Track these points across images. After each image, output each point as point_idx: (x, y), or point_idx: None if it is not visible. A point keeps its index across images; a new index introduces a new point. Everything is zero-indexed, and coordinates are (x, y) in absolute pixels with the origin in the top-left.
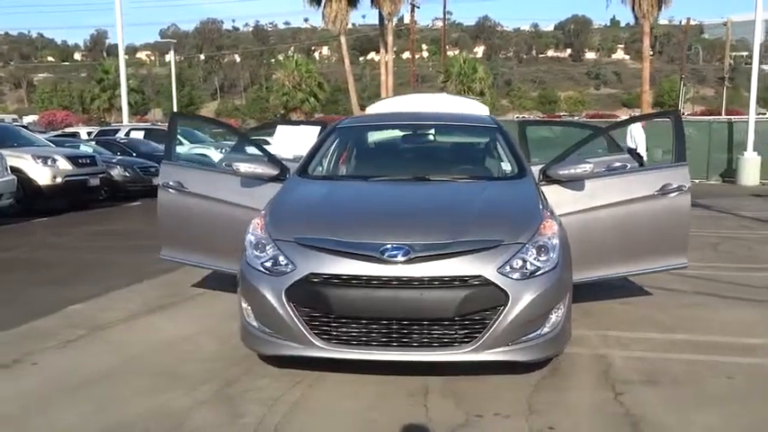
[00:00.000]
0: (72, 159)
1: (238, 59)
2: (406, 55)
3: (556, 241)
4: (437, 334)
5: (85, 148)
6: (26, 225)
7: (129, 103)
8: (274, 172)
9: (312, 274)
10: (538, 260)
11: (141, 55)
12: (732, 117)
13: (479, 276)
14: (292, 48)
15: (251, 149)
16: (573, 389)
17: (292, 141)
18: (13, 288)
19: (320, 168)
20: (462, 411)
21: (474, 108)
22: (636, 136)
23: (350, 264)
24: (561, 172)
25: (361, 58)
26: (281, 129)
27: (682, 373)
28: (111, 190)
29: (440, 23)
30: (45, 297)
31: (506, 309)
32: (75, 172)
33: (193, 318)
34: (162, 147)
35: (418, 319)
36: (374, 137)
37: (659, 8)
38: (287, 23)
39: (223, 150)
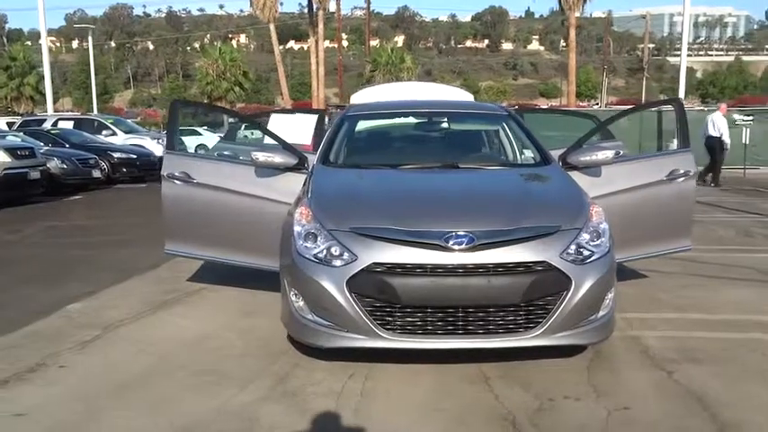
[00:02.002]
0: (10, 151)
1: (152, 47)
2: (326, 44)
3: (605, 225)
4: (502, 320)
5: (14, 139)
6: None
7: (40, 92)
8: (293, 161)
9: (375, 263)
10: (591, 244)
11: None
12: (662, 107)
13: (543, 262)
14: (208, 35)
15: (242, 137)
16: (625, 370)
17: (286, 130)
18: None
19: (341, 157)
20: (532, 396)
21: (460, 95)
22: (719, 125)
23: (414, 252)
24: (582, 158)
25: (280, 47)
26: (275, 117)
27: (716, 350)
28: (48, 183)
29: (358, 13)
30: (34, 297)
31: (570, 293)
32: (14, 164)
33: (206, 313)
34: (95, 137)
35: (485, 306)
36: (387, 125)
37: (584, 0)
38: (201, 10)
39: (160, 141)
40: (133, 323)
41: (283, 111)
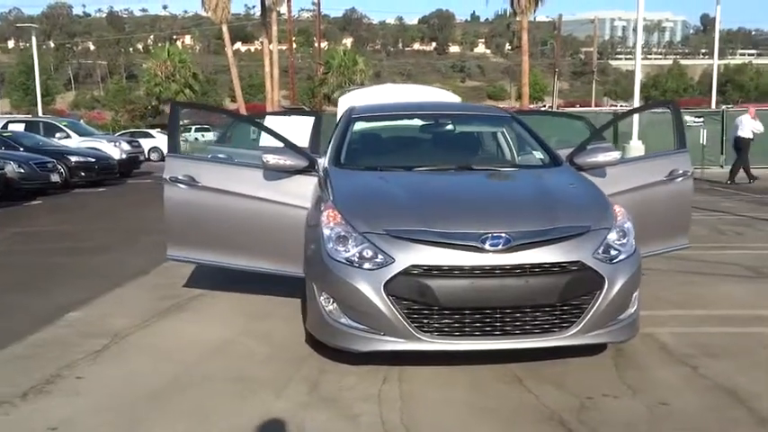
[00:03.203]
0: None
1: (93, 47)
2: (273, 46)
3: (629, 225)
4: (539, 320)
5: None
6: None
7: None
8: (304, 164)
9: (413, 266)
10: (618, 243)
11: None
12: (616, 108)
13: (578, 262)
14: (152, 36)
15: (193, 139)
16: (651, 367)
17: (282, 133)
18: None
19: (353, 159)
20: (570, 395)
21: (447, 97)
22: (747, 126)
23: (450, 254)
24: (590, 160)
25: (226, 49)
26: (269, 119)
27: (728, 345)
28: (4, 188)
29: (305, 15)
30: (25, 305)
31: (603, 292)
32: None
33: (214, 319)
34: (49, 140)
35: (523, 306)
36: (393, 126)
37: (536, 4)
38: (144, 10)
39: (117, 144)
40: (142, 331)
41: (278, 113)
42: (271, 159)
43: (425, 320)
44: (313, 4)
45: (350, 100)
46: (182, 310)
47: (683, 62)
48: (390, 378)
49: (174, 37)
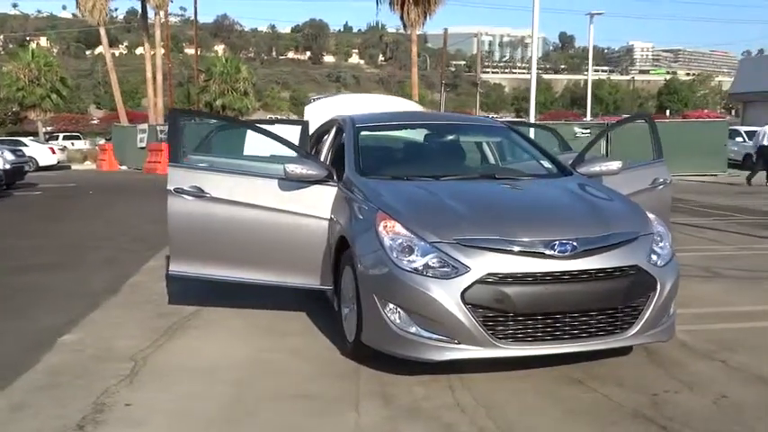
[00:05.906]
0: None
1: None
2: (140, 50)
3: (663, 229)
4: (604, 323)
5: None
6: None
7: None
8: (324, 173)
9: (489, 273)
10: (658, 248)
11: None
12: (512, 120)
13: (635, 266)
14: (1, 37)
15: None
16: (687, 363)
17: (268, 142)
18: None
19: (374, 169)
20: (636, 393)
21: (413, 107)
22: None
23: (522, 261)
24: (593, 169)
25: (88, 52)
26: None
27: (740, 340)
28: None
29: (173, 19)
30: (7, 329)
31: (657, 294)
32: None
33: (229, 336)
34: None
35: (590, 310)
36: (398, 136)
37: (425, 18)
38: None
39: (18, 153)
40: (159, 352)
41: (263, 121)
42: (295, 169)
43: (499, 327)
44: (181, 8)
45: (317, 109)
46: (187, 328)
47: (546, 77)
48: (456, 386)
49: (28, 38)
